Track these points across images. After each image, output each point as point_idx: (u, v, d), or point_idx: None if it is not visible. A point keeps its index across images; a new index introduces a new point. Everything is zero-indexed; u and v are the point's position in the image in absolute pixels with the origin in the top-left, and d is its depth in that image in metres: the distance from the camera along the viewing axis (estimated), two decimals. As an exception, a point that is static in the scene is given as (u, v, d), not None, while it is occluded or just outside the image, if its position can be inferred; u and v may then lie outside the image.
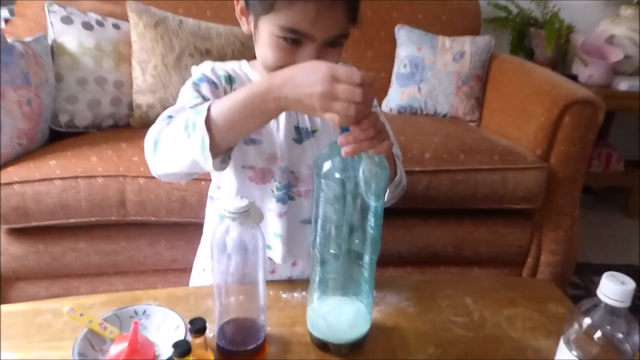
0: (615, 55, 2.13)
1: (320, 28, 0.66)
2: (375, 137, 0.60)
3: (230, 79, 0.79)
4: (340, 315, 0.70)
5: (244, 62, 0.83)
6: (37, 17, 1.58)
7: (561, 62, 2.33)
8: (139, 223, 1.33)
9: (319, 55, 0.67)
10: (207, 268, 0.90)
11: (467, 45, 1.83)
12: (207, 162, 0.63)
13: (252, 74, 0.81)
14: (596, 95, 1.42)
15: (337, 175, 0.63)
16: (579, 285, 1.77)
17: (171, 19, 1.57)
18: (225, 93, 0.77)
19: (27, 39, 1.41)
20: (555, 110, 1.42)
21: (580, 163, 1.47)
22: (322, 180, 0.63)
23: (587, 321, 0.54)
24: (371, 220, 0.65)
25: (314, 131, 0.82)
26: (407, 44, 1.87)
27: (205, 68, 0.79)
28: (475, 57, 1.82)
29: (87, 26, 1.52)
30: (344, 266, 0.68)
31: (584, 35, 2.20)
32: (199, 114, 0.62)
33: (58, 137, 1.48)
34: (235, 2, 0.75)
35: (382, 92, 1.90)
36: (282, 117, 0.79)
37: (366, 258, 0.67)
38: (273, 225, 0.82)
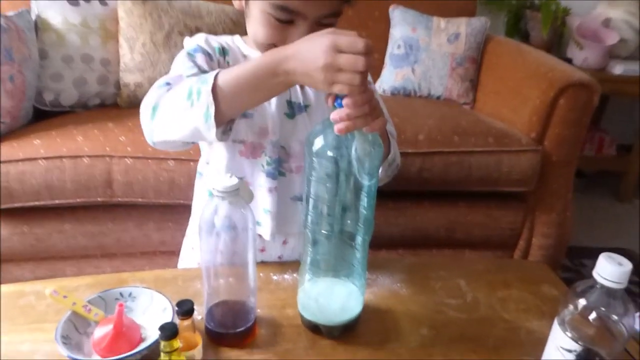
0: (611, 38, 2.11)
1: (312, 6, 0.65)
2: (370, 114, 0.58)
3: (224, 51, 0.78)
4: (332, 297, 0.68)
5: (237, 37, 0.82)
6: (19, -9, 1.52)
7: (557, 45, 2.31)
8: (126, 204, 1.30)
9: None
10: (196, 246, 0.89)
11: (463, 26, 1.80)
12: (210, 132, 0.61)
13: (245, 48, 0.80)
14: (592, 78, 1.41)
15: (330, 153, 0.61)
16: (569, 268, 1.78)
17: (159, -5, 1.53)
18: (219, 65, 0.76)
19: (10, 13, 1.37)
20: (551, 92, 1.40)
21: (574, 146, 1.46)
22: (314, 159, 0.61)
23: (582, 302, 0.53)
24: (364, 200, 0.63)
25: (306, 106, 0.81)
26: (402, 24, 1.84)
27: (199, 39, 0.77)
28: (470, 39, 1.79)
29: (72, 1, 1.47)
30: (336, 247, 0.66)
31: (580, 17, 2.18)
32: (205, 83, 0.61)
33: (43, 116, 1.44)
34: None
35: (376, 73, 1.87)
36: None
37: (359, 239, 0.66)
38: (263, 200, 0.80)
